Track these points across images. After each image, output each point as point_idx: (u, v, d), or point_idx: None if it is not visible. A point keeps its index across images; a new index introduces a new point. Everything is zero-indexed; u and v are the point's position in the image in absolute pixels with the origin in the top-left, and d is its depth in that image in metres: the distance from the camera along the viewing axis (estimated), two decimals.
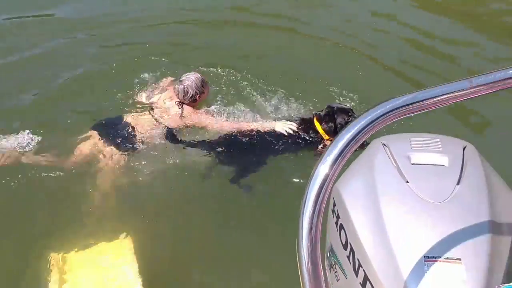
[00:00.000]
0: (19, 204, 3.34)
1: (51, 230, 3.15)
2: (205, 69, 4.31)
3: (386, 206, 1.60)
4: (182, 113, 3.59)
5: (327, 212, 1.89)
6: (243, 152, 3.58)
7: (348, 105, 3.84)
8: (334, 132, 3.45)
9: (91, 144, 3.46)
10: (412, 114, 0.99)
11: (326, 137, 3.51)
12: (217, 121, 3.56)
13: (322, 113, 3.56)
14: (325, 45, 5.00)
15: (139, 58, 4.62)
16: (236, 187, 3.46)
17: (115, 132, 3.50)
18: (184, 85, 3.56)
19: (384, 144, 1.80)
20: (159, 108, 3.69)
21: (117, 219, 3.25)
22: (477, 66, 4.55)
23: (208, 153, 3.56)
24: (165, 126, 3.59)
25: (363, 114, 0.96)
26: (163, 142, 3.55)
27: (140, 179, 3.43)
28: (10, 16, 5.43)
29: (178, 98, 3.61)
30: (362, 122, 0.96)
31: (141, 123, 3.56)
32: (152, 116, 3.63)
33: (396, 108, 0.96)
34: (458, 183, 1.63)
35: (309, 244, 0.98)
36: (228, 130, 3.52)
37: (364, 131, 0.96)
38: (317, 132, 3.53)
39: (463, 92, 0.99)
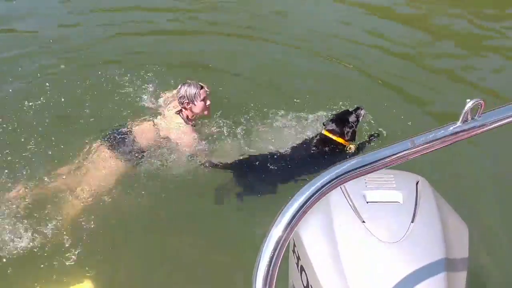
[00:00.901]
0: None
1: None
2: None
3: (343, 248, 1.62)
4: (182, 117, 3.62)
5: (288, 252, 1.89)
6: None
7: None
8: (352, 133, 3.49)
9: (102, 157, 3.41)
10: (360, 177, 1.01)
11: (347, 143, 3.48)
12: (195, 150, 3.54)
13: (330, 127, 3.50)
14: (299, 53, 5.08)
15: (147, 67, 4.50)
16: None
17: (122, 143, 3.46)
18: (183, 86, 3.58)
19: None
20: (163, 114, 3.72)
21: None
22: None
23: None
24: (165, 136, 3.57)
25: (312, 181, 0.97)
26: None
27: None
28: None
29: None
30: (312, 188, 0.98)
31: (144, 132, 3.56)
32: (154, 124, 3.63)
33: (344, 173, 0.98)
34: (412, 221, 1.67)
35: None
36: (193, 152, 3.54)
37: (313, 197, 0.97)
38: (337, 143, 3.47)
39: (406, 152, 1.01)
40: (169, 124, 3.61)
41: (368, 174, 1.82)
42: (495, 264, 2.83)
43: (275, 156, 3.46)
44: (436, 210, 1.71)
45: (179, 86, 3.60)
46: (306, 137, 3.63)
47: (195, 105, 3.56)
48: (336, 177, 0.97)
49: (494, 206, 3.16)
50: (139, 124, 3.62)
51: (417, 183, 1.81)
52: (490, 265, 2.81)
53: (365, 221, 1.66)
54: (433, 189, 1.81)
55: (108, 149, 3.42)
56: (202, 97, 3.56)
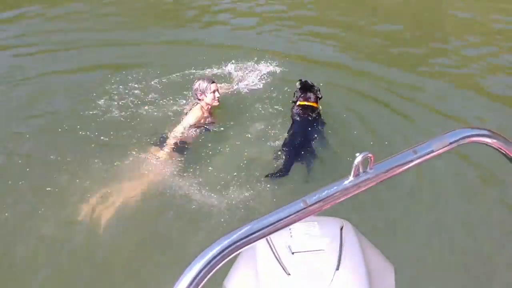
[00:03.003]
0: None
1: None
2: None
3: None
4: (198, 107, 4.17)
5: None
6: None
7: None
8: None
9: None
10: (253, 243, 0.98)
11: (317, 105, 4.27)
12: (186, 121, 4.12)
13: (311, 94, 4.25)
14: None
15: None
16: None
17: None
18: (198, 81, 4.18)
19: None
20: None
21: None
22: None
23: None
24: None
25: (200, 255, 0.93)
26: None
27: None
28: None
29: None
30: (201, 261, 0.93)
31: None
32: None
33: (234, 243, 0.94)
34: (337, 268, 1.65)
35: None
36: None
37: (203, 271, 0.92)
38: (315, 108, 4.22)
39: (300, 212, 0.99)
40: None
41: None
42: None
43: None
44: (361, 255, 1.71)
45: (195, 81, 4.19)
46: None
47: (206, 96, 4.14)
48: (225, 248, 0.93)
49: (422, 243, 3.21)
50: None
51: (341, 228, 1.81)
52: None
53: (290, 273, 1.63)
54: (357, 233, 1.81)
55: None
56: (212, 90, 4.14)
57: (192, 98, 4.31)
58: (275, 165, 3.84)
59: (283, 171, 3.76)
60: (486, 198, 3.59)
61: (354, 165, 1.03)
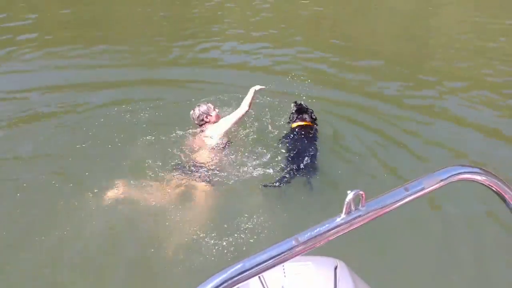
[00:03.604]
0: None
1: None
2: None
3: None
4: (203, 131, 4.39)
5: None
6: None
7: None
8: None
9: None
10: (246, 281, 0.96)
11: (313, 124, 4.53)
12: (232, 115, 4.36)
13: (307, 116, 4.52)
14: None
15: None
16: None
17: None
18: (195, 109, 4.43)
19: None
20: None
21: None
22: None
23: None
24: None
25: None
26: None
27: None
28: None
29: (193, 121, 4.46)
30: None
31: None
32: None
33: (226, 281, 0.93)
34: None
35: None
36: (240, 116, 4.34)
37: None
38: (311, 127, 4.48)
39: (291, 250, 0.99)
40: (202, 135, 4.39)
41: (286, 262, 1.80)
42: None
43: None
44: None
45: (192, 112, 4.43)
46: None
47: (211, 115, 4.43)
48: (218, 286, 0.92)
49: (416, 281, 3.17)
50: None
51: (335, 268, 1.78)
52: None
53: None
54: (352, 273, 1.78)
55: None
56: (213, 108, 4.47)
57: (197, 126, 4.47)
58: (274, 176, 4.00)
59: (282, 181, 3.90)
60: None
61: (345, 202, 1.04)
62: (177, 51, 7.32)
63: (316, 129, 4.51)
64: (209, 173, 4.03)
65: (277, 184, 3.89)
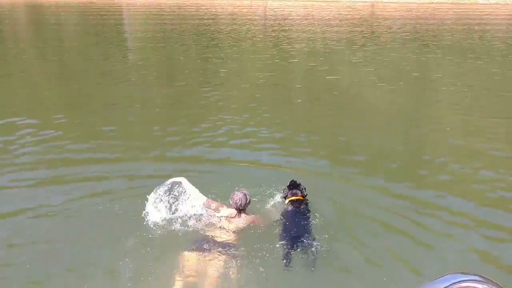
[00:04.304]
0: None
1: None
2: None
3: None
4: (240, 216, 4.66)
5: None
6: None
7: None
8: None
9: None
10: None
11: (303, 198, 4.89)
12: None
13: (299, 192, 4.86)
14: None
15: None
16: None
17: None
18: (243, 192, 4.65)
19: None
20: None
21: None
22: None
23: None
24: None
25: None
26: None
27: None
28: None
29: (237, 205, 4.62)
30: None
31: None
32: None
33: None
34: None
35: None
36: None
37: None
38: (303, 200, 4.86)
39: None
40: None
41: None
42: None
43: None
44: None
45: (240, 194, 4.59)
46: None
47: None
48: None
49: None
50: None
51: None
52: None
53: None
54: None
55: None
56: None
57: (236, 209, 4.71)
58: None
59: (285, 263, 4.10)
60: None
61: None
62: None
63: (306, 203, 4.86)
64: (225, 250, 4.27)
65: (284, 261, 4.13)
